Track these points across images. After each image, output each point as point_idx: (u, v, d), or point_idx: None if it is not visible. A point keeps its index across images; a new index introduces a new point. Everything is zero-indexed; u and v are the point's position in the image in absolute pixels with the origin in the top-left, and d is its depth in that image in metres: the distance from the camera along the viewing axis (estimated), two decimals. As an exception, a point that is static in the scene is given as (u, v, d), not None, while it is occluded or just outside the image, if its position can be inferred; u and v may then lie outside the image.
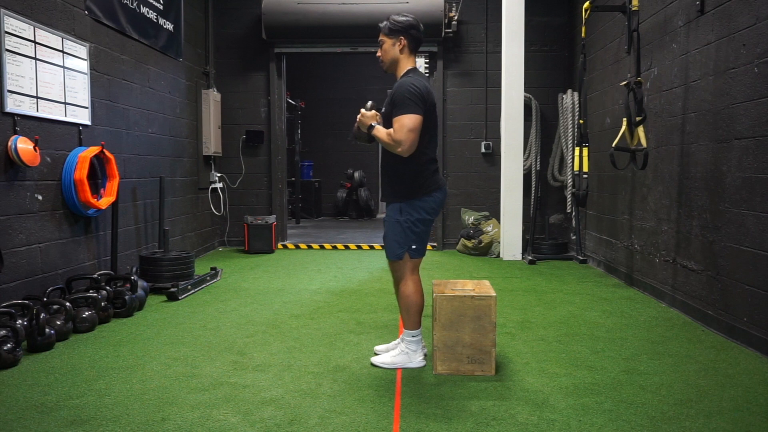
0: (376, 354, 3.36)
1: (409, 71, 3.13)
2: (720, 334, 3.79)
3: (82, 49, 4.54)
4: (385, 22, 3.16)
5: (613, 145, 4.53)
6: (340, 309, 4.53)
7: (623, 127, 4.49)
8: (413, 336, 3.17)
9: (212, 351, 3.48)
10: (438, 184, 3.14)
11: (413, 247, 3.09)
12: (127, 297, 4.22)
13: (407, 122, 2.94)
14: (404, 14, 3.20)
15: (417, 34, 3.17)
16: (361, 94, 12.40)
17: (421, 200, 3.09)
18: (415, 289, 3.13)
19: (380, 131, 3.06)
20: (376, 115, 3.14)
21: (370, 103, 3.20)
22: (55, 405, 2.68)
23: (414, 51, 3.19)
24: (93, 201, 4.39)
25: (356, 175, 11.94)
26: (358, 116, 3.15)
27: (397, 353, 3.20)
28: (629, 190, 5.44)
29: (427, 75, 7.79)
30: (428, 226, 3.15)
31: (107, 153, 4.60)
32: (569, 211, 7.32)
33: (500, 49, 7.01)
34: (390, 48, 3.15)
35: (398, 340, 3.27)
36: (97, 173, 4.62)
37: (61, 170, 4.28)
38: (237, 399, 2.76)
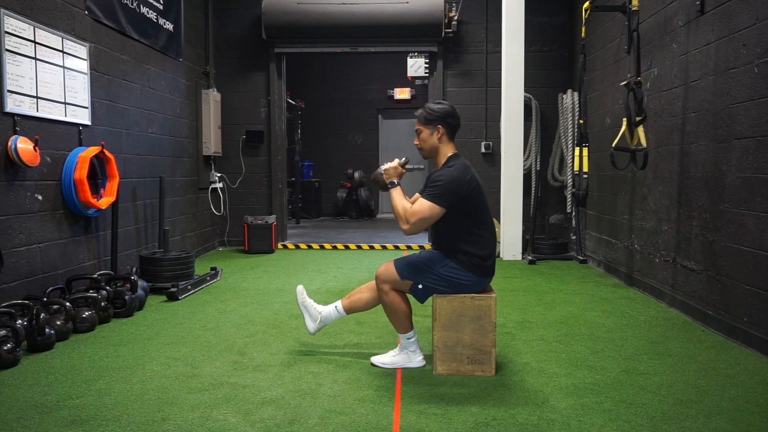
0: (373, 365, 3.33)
1: (450, 158, 3.14)
2: (720, 334, 3.79)
3: (82, 49, 4.54)
4: (420, 111, 3.19)
5: (613, 145, 4.53)
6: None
7: (623, 127, 4.49)
8: (408, 338, 3.18)
9: (212, 351, 3.48)
10: (483, 272, 3.08)
11: (420, 286, 3.08)
12: (127, 297, 4.22)
13: (425, 211, 3.00)
14: (439, 102, 3.23)
15: (454, 122, 3.18)
16: (361, 94, 12.42)
17: (465, 273, 3.04)
18: (399, 299, 3.13)
19: (398, 196, 3.11)
20: (403, 173, 3.20)
21: (405, 158, 3.24)
22: (55, 405, 2.68)
23: (452, 138, 3.19)
24: (93, 201, 4.39)
25: (356, 175, 11.94)
26: (388, 164, 3.18)
27: (397, 353, 3.21)
28: (629, 190, 5.44)
29: (426, 75, 7.81)
30: (446, 290, 3.07)
31: (107, 153, 4.60)
32: (569, 211, 7.32)
33: (500, 49, 7.01)
34: (428, 137, 3.16)
35: (398, 350, 3.25)
36: (97, 173, 4.62)
37: (61, 170, 4.28)
38: (237, 399, 2.76)
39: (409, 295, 3.18)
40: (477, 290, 3.08)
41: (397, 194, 3.11)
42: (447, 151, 3.16)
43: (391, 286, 3.12)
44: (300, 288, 3.44)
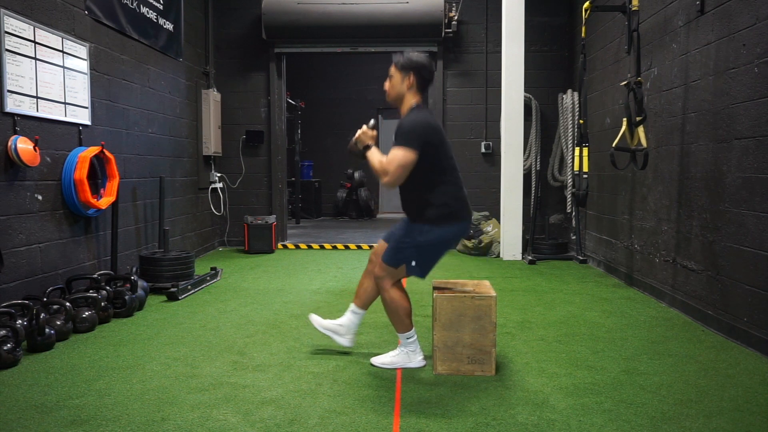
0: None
1: (414, 107, 3.13)
2: (720, 334, 3.79)
3: (82, 49, 4.54)
4: (398, 56, 3.17)
5: (613, 145, 4.53)
6: (340, 309, 4.52)
7: (623, 127, 4.49)
8: (408, 338, 3.18)
9: (212, 351, 3.48)
10: (459, 214, 3.08)
11: (413, 263, 3.07)
12: (127, 297, 4.22)
13: (399, 157, 2.95)
14: (419, 53, 3.19)
15: (427, 75, 3.16)
16: (361, 94, 12.41)
17: (440, 227, 3.04)
18: (400, 294, 3.13)
19: (374, 155, 3.07)
20: (375, 135, 3.16)
21: (372, 121, 3.20)
22: (55, 405, 2.68)
23: (421, 91, 3.17)
24: (93, 201, 4.39)
25: (356, 175, 11.94)
26: (359, 132, 3.14)
27: (397, 353, 3.20)
28: (629, 190, 5.44)
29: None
30: (437, 252, 3.11)
31: (107, 153, 4.60)
32: (569, 211, 7.32)
33: (500, 49, 7.01)
34: (398, 83, 3.15)
35: (398, 350, 3.24)
36: (97, 173, 4.62)
37: (61, 170, 4.28)
38: (237, 399, 2.76)
39: (410, 289, 3.18)
40: (463, 236, 3.12)
41: (373, 154, 3.07)
42: (412, 100, 3.15)
43: (391, 281, 3.11)
44: (313, 317, 3.48)
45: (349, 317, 3.37)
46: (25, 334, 3.41)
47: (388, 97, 3.22)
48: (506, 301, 4.78)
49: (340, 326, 3.37)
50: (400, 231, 3.17)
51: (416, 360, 3.18)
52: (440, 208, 3.04)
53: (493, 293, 3.10)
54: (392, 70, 3.18)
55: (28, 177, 3.94)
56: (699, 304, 4.11)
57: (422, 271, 3.10)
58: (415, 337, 3.20)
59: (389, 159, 2.98)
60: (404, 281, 3.23)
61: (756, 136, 3.47)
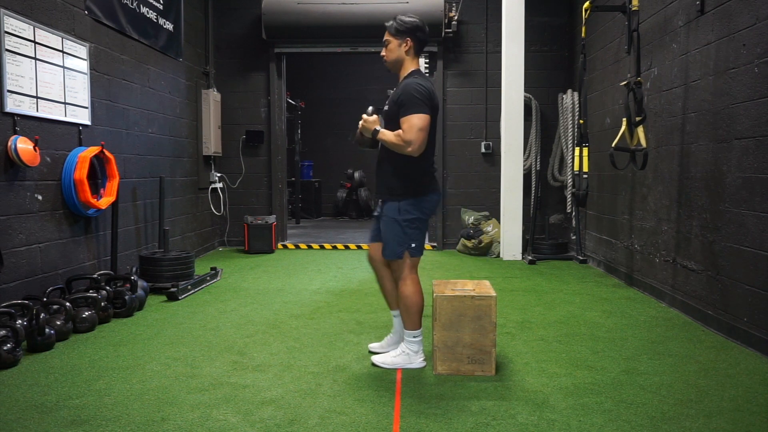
0: (371, 352, 3.36)
1: (413, 72, 3.14)
2: (720, 334, 3.79)
3: (82, 49, 4.54)
4: (391, 22, 3.16)
5: (613, 145, 4.53)
6: (340, 309, 4.52)
7: (623, 127, 4.49)
8: (414, 336, 3.16)
9: (212, 351, 3.48)
10: (434, 186, 3.16)
11: (413, 245, 3.10)
12: (127, 297, 4.22)
13: (417, 122, 2.94)
14: (410, 15, 3.19)
15: (423, 36, 3.17)
16: (361, 94, 12.40)
17: (419, 200, 3.08)
18: (414, 290, 3.12)
19: (386, 134, 3.03)
20: (378, 118, 3.14)
21: (371, 108, 3.18)
22: (55, 405, 2.68)
23: (418, 53, 3.20)
24: (93, 201, 4.39)
25: (356, 175, 11.94)
26: (361, 122, 3.12)
27: (398, 353, 3.20)
28: (629, 190, 5.44)
29: (427, 75, 7.80)
30: (425, 225, 3.18)
31: (107, 153, 4.60)
32: (569, 211, 7.32)
33: (500, 49, 7.01)
34: (395, 48, 3.15)
35: (391, 335, 3.28)
36: (97, 173, 4.62)
37: (61, 170, 4.28)
38: (237, 399, 2.76)
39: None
40: (438, 202, 3.21)
41: (384, 134, 3.04)
42: (410, 65, 3.17)
43: (409, 272, 3.13)
44: (375, 359, 3.24)
45: (395, 331, 3.36)
46: (25, 334, 3.41)
47: (387, 63, 3.19)
48: (506, 301, 4.78)
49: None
50: (388, 222, 3.12)
51: (417, 361, 3.18)
52: (422, 178, 3.09)
53: (493, 293, 3.10)
54: (387, 36, 3.16)
55: (28, 177, 3.94)
56: (699, 304, 4.11)
57: (421, 249, 3.16)
58: (421, 337, 3.20)
59: (406, 128, 2.95)
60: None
61: (756, 136, 3.47)
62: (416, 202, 3.08)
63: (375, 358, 3.24)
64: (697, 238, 4.16)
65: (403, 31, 3.13)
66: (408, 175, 3.08)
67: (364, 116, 3.12)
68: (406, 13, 3.21)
